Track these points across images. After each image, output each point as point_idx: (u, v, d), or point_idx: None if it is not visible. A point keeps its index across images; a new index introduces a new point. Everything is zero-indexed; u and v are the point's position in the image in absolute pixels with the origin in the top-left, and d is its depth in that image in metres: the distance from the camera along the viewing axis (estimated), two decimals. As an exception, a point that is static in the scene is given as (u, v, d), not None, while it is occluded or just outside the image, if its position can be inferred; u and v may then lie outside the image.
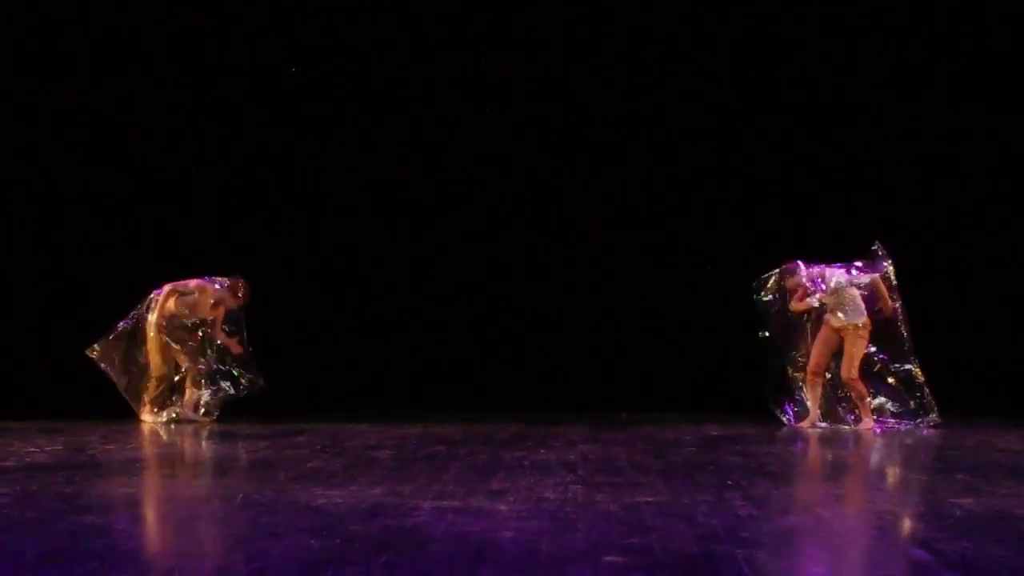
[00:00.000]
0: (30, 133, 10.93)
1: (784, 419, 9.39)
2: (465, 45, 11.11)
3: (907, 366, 9.21)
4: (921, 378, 9.18)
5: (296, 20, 11.06)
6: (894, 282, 9.22)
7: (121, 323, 9.75)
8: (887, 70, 10.84)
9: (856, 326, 9.12)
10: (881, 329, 9.20)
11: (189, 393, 9.74)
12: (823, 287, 9.18)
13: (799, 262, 9.35)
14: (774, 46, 10.92)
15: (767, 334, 9.51)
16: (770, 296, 9.46)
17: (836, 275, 9.22)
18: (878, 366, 9.25)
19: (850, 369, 9.11)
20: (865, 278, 9.20)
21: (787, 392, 9.46)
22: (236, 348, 9.74)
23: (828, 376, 9.37)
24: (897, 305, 9.19)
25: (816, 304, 9.25)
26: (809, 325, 9.39)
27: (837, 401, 9.37)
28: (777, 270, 9.46)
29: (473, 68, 11.15)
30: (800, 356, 9.41)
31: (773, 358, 9.52)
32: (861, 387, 9.14)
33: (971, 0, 10.71)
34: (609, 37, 11.10)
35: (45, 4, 10.75)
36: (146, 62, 10.96)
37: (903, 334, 9.18)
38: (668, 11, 10.88)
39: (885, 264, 9.23)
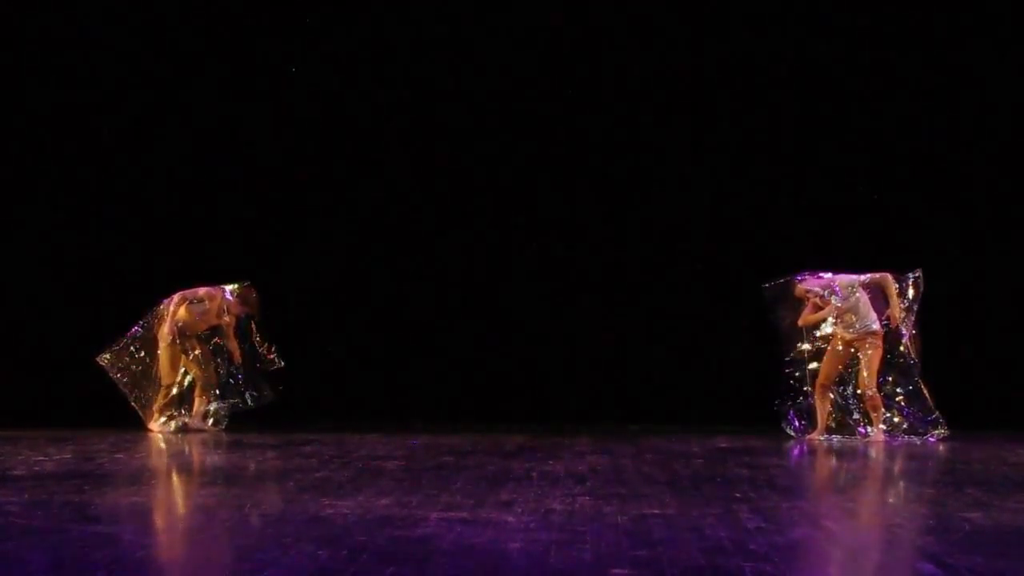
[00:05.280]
0: (36, 138, 10.97)
1: (792, 432, 9.36)
2: (487, 54, 11.12)
3: (910, 386, 9.16)
4: (927, 393, 9.14)
5: (300, 22, 11.08)
6: (911, 301, 9.12)
7: (131, 331, 9.78)
8: (893, 76, 10.83)
9: (869, 335, 9.06)
10: (889, 348, 9.14)
11: (198, 403, 9.76)
12: (839, 294, 9.11)
13: (806, 274, 9.31)
14: (779, 49, 10.92)
15: (778, 345, 9.48)
16: (779, 306, 9.42)
17: (846, 279, 9.17)
18: (887, 386, 9.21)
19: (869, 380, 9.05)
20: (872, 275, 9.14)
21: (796, 404, 9.43)
22: (236, 358, 9.79)
23: (840, 388, 9.34)
24: (904, 329, 9.08)
25: (833, 316, 9.16)
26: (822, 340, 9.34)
27: (849, 413, 9.33)
28: (784, 279, 9.40)
29: (497, 77, 11.14)
30: (809, 368, 9.36)
31: (782, 370, 9.48)
32: (878, 400, 9.08)
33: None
34: (614, 41, 11.11)
35: (52, 5, 10.81)
36: (152, 66, 11.00)
37: (911, 355, 9.12)
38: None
39: (905, 282, 9.13)
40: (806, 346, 9.36)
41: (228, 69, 11.11)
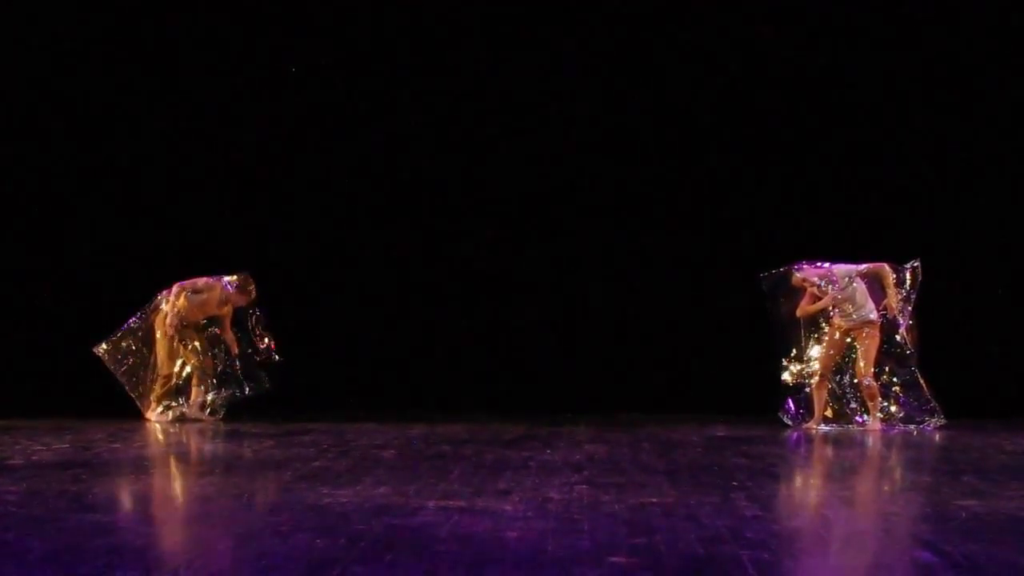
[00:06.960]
0: (34, 132, 10.95)
1: (789, 420, 9.37)
2: (490, 47, 11.10)
3: (907, 376, 9.17)
4: (924, 383, 9.16)
5: (299, 19, 11.06)
6: (909, 290, 9.11)
7: (128, 322, 9.78)
8: (889, 67, 10.82)
9: (866, 324, 9.06)
10: (886, 337, 9.15)
11: (195, 392, 9.77)
12: (837, 284, 9.11)
13: (804, 264, 9.32)
14: (776, 45, 10.91)
15: (774, 334, 9.49)
16: (776, 295, 9.43)
17: (843, 268, 9.18)
18: (884, 375, 9.22)
19: (866, 369, 9.05)
20: (870, 264, 9.14)
21: (793, 393, 9.44)
22: (234, 349, 9.81)
23: (837, 377, 9.35)
24: (902, 319, 9.08)
25: (830, 306, 9.18)
26: (824, 326, 9.34)
27: (846, 401, 9.34)
28: (782, 269, 9.41)
29: (498, 70, 11.11)
30: (806, 356, 9.37)
31: (780, 358, 9.48)
32: (875, 389, 9.09)
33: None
34: (616, 39, 11.09)
35: (47, 2, 10.79)
36: (150, 60, 10.98)
37: (908, 344, 9.12)
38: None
39: (903, 272, 9.13)
40: (813, 352, 9.35)
41: (227, 63, 11.08)
